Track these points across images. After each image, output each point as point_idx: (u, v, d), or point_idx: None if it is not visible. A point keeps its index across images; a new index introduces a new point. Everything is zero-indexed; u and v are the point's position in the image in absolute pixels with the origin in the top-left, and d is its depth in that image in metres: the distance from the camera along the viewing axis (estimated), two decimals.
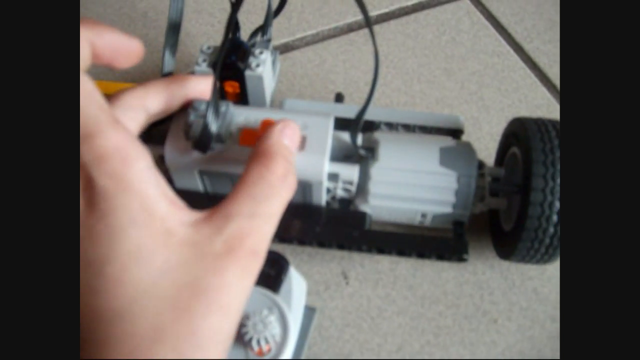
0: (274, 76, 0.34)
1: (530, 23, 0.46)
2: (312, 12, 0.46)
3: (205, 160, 0.27)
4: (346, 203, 0.30)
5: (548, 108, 0.40)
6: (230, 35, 0.25)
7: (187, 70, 0.42)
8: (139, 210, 0.17)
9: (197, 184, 0.28)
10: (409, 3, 0.47)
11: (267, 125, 0.25)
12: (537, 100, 0.41)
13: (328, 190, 0.29)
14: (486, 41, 0.45)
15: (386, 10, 0.47)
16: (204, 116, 0.25)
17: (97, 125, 0.18)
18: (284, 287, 0.27)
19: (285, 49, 0.44)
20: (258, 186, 0.20)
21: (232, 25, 0.25)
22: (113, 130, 0.18)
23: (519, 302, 0.32)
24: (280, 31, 0.44)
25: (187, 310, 0.17)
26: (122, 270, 0.17)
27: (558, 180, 0.26)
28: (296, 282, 0.28)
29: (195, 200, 0.22)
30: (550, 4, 0.47)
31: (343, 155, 0.29)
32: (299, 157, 0.26)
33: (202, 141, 0.25)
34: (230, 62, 0.30)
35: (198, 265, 0.18)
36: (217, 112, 0.25)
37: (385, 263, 0.33)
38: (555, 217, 0.26)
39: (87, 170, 0.17)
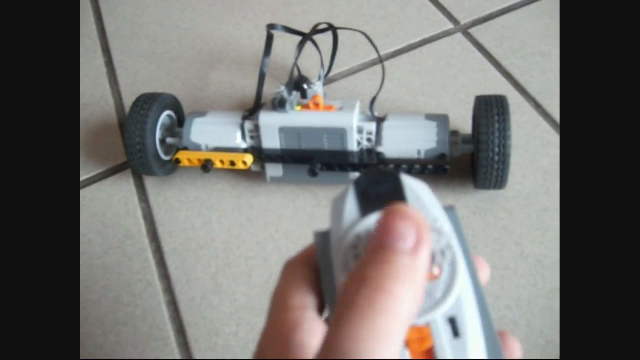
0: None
1: (507, 45, 0.62)
2: (346, 53, 0.64)
3: (282, 122, 0.47)
4: (370, 153, 0.48)
5: (519, 105, 0.56)
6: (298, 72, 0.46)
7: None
8: None
9: (276, 141, 0.48)
10: (416, 40, 0.64)
11: (315, 98, 0.47)
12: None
13: (358, 143, 0.47)
14: (473, 62, 0.61)
15: (399, 47, 0.64)
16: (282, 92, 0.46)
17: (299, 325, 0.23)
18: None
19: (327, 81, 0.62)
20: None
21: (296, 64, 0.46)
22: (302, 333, 0.23)
23: (492, 235, 0.48)
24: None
25: None
26: None
27: (497, 134, 0.43)
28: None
29: (274, 159, 0.43)
30: (530, 33, 0.63)
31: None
32: (340, 113, 0.47)
33: (281, 103, 0.46)
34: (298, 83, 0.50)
35: None
36: (290, 91, 0.46)
37: None
38: (496, 158, 0.43)
39: (287, 339, 0.22)
